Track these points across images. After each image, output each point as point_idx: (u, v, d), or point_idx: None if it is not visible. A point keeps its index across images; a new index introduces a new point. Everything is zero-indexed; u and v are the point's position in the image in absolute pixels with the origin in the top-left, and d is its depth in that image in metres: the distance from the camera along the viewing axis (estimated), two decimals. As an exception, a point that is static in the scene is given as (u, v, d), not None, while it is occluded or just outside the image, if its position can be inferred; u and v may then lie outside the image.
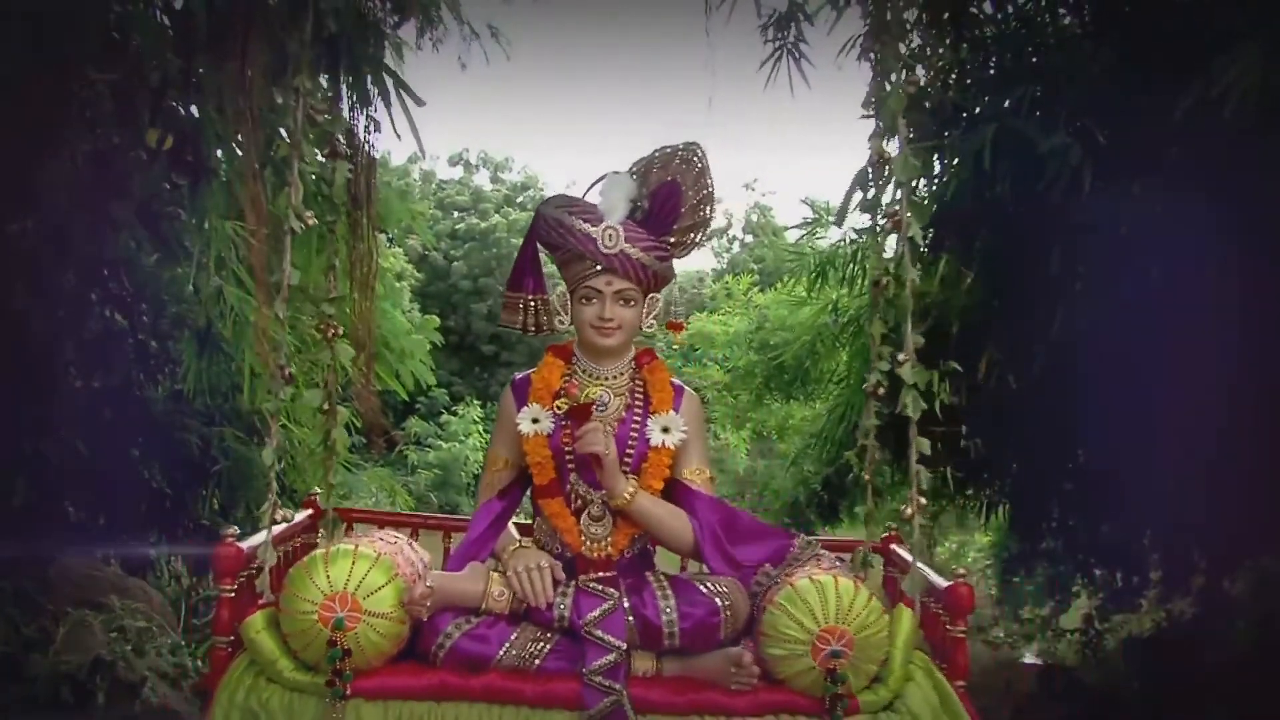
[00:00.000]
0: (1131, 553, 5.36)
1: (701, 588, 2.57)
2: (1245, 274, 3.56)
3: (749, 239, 30.39)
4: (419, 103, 3.24)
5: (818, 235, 6.54)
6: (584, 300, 2.74)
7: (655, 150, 2.82)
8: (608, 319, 2.71)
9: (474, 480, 22.99)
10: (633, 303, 2.74)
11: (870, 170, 2.85)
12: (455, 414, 23.76)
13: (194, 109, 3.93)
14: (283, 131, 3.15)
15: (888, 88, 2.78)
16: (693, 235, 2.82)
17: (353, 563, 2.44)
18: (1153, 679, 4.84)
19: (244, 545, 2.60)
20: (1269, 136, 3.17)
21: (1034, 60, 4.28)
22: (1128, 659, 5.28)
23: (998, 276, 4.25)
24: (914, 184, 2.89)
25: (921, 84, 2.73)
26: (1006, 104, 4.04)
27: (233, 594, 2.57)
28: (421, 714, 2.43)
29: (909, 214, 2.71)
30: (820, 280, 5.85)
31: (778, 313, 7.57)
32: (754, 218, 28.63)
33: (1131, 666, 5.16)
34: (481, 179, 32.42)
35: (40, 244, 4.18)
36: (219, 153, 4.02)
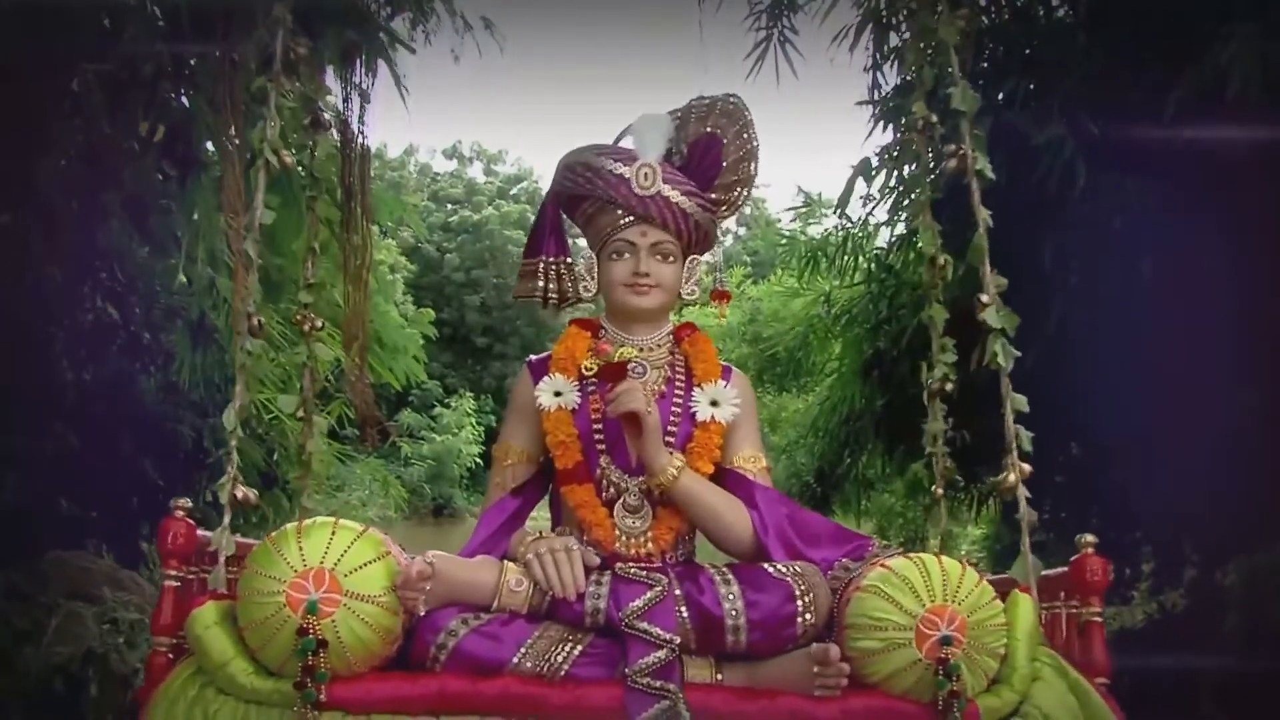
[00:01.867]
0: (1123, 545, 5.37)
1: (771, 569, 2.09)
2: (1239, 267, 3.57)
3: (742, 231, 30.48)
4: (410, 50, 3.15)
5: (810, 221, 6.57)
6: (615, 256, 2.33)
7: (692, 100, 2.47)
8: (643, 274, 2.30)
9: (467, 473, 23.03)
10: (671, 259, 2.34)
11: (914, 134, 2.61)
12: (448, 406, 23.79)
13: (185, 100, 3.93)
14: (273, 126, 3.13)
15: (925, 54, 2.59)
16: (737, 192, 2.45)
17: (332, 534, 1.90)
18: (1144, 671, 4.85)
19: (201, 532, 2.12)
20: (1266, 123, 3.16)
21: (1027, 53, 4.28)
22: (1119, 651, 5.29)
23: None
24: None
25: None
26: (1000, 96, 4.04)
27: (178, 583, 2.02)
28: (417, 731, 1.87)
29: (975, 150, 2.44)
30: (811, 267, 5.86)
31: (770, 305, 7.61)
32: (747, 209, 28.68)
33: (1123, 659, 5.17)
34: (475, 171, 32.49)
35: (32, 235, 4.16)
36: (209, 145, 4.02)
